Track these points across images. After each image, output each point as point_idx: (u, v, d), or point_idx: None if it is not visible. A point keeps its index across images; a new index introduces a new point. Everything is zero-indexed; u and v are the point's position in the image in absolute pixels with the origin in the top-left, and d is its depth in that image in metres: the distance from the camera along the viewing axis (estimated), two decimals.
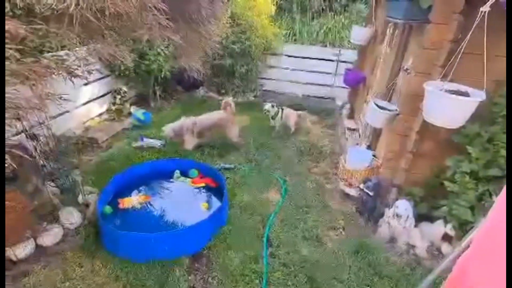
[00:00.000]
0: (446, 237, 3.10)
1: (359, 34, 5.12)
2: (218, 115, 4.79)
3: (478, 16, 2.32)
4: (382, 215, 3.35)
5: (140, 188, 3.74)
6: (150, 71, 5.48)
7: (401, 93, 3.41)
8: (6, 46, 1.33)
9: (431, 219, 3.19)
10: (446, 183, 2.95)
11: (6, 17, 1.34)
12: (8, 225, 2.23)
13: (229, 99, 4.86)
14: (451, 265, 1.81)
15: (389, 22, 3.75)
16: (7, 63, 1.30)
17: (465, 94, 2.54)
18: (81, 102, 4.97)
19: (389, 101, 3.70)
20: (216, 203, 3.57)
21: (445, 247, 3.08)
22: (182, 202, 3.65)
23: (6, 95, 1.26)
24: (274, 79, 7.32)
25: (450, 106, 2.50)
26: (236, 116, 4.96)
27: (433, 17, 2.78)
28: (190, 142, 4.63)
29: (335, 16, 8.10)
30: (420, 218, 3.22)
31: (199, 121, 4.63)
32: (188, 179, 3.93)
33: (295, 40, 7.82)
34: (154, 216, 3.40)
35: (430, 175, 3.25)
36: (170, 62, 5.59)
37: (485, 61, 2.41)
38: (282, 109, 5.38)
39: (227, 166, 4.35)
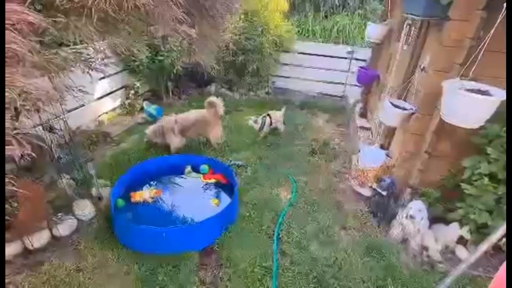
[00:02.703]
0: (461, 241, 3.03)
1: (374, 31, 5.03)
2: (200, 113, 4.51)
3: (502, 12, 2.25)
4: (395, 215, 3.30)
5: (152, 182, 3.77)
6: (163, 67, 5.52)
7: (418, 92, 3.34)
8: (28, 38, 1.35)
9: (445, 221, 3.12)
10: (463, 185, 2.87)
11: (28, 10, 1.36)
12: (25, 214, 2.29)
13: (215, 98, 4.47)
14: (468, 271, 1.76)
15: (406, 19, 3.67)
16: (29, 54, 1.32)
17: (486, 93, 2.46)
18: (95, 97, 5.05)
19: (404, 99, 3.63)
20: (226, 199, 3.58)
21: (460, 251, 3.02)
22: (193, 197, 3.67)
23: (28, 86, 1.28)
24: (285, 77, 7.27)
25: (469, 106, 2.43)
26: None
27: (453, 14, 2.70)
28: (174, 142, 4.39)
29: (349, 14, 7.99)
30: (434, 220, 3.16)
31: (180, 119, 4.39)
32: (200, 175, 3.94)
33: (307, 37, 7.75)
34: (165, 211, 3.42)
35: (446, 176, 3.17)
36: (183, 58, 5.62)
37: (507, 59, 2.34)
38: (269, 116, 5.05)
39: (238, 163, 4.35)
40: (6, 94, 1.18)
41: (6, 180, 1.22)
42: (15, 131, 1.32)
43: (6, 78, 1.19)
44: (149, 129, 4.44)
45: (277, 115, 5.19)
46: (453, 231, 3.03)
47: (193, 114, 4.52)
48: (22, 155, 1.41)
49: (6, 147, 1.37)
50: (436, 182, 3.23)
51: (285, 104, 6.45)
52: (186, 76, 6.45)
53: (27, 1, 1.37)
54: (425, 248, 3.10)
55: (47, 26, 1.50)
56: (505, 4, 2.23)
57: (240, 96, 6.94)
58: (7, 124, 1.22)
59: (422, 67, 3.29)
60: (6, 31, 1.28)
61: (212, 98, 4.46)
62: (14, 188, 1.34)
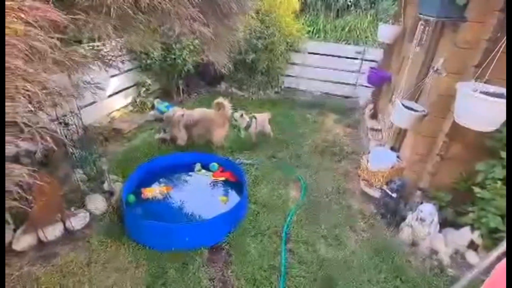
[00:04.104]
0: (472, 245, 2.99)
1: (386, 32, 4.99)
2: (206, 113, 4.51)
3: None
4: (404, 218, 3.27)
5: (162, 179, 3.82)
6: (174, 65, 5.57)
7: (431, 94, 3.30)
8: (49, 35, 1.39)
9: (456, 225, 3.08)
10: (476, 188, 2.83)
11: (50, 6, 1.39)
12: (41, 207, 2.35)
13: (223, 100, 4.46)
14: (479, 276, 1.74)
15: (420, 19, 3.63)
16: (50, 51, 1.35)
17: (501, 96, 2.42)
18: (107, 94, 5.12)
19: (416, 101, 3.59)
20: (235, 197, 3.60)
21: (470, 255, 2.98)
22: (202, 195, 3.70)
23: (50, 82, 1.32)
24: (296, 76, 7.26)
25: (484, 108, 2.39)
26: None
27: (470, 15, 2.67)
28: (179, 136, 4.49)
29: (361, 14, 7.92)
30: (445, 223, 3.13)
31: (186, 115, 4.44)
32: (209, 173, 3.98)
33: (318, 37, 7.72)
34: (174, 207, 3.46)
35: (457, 180, 3.13)
36: (194, 56, 5.67)
37: None
38: (255, 118, 4.78)
39: (246, 161, 4.37)
40: (30, 88, 1.22)
41: (27, 172, 1.27)
42: (37, 126, 1.37)
43: (29, 74, 1.23)
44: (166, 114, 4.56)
45: (263, 118, 4.90)
46: (464, 235, 3.00)
47: (197, 113, 4.54)
48: (44, 150, 1.45)
49: (26, 140, 1.41)
50: (447, 185, 3.19)
51: (294, 103, 6.47)
52: (196, 75, 6.50)
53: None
54: (434, 251, 3.07)
55: (67, 23, 1.54)
56: None
57: (249, 95, 6.95)
58: (28, 119, 1.26)
59: (435, 68, 3.25)
60: (30, 28, 1.32)
61: (220, 100, 4.46)
62: (34, 181, 1.38)
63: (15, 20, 1.18)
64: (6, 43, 1.16)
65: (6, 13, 1.15)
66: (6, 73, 1.13)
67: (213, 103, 4.50)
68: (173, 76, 6.03)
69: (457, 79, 2.80)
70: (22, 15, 1.22)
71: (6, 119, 1.14)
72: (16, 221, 2.71)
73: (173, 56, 5.44)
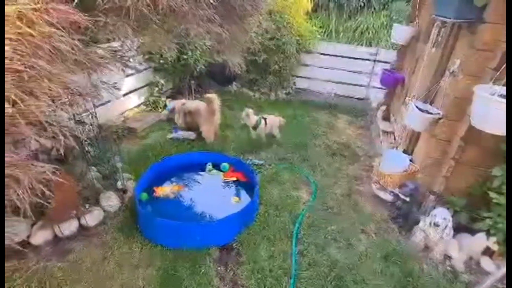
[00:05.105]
0: (487, 252, 2.93)
1: (401, 33, 4.93)
2: (198, 105, 4.88)
3: None
4: (417, 222, 3.23)
5: (174, 178, 3.86)
6: (186, 65, 5.63)
7: (446, 96, 3.25)
8: (72, 36, 1.43)
9: (471, 230, 3.03)
10: (492, 194, 2.78)
11: (72, 9, 1.43)
12: (58, 203, 2.41)
13: (212, 95, 4.69)
14: (495, 284, 1.71)
15: (436, 20, 3.57)
16: (72, 52, 1.39)
17: None
18: (121, 93, 5.21)
19: (431, 104, 3.54)
20: (246, 197, 3.62)
21: (485, 262, 2.92)
22: (213, 194, 3.73)
23: (71, 82, 1.36)
24: (307, 77, 7.23)
25: (502, 112, 2.34)
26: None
27: (489, 16, 2.62)
28: (178, 122, 5.05)
29: (374, 14, 7.84)
30: (459, 228, 3.07)
31: (185, 105, 4.97)
32: (220, 173, 4.00)
33: (330, 38, 7.67)
34: (185, 206, 3.50)
35: (473, 184, 3.07)
36: (206, 56, 5.71)
37: None
38: (265, 118, 4.77)
39: (257, 162, 4.38)
40: (53, 88, 1.26)
41: (49, 169, 1.31)
42: (59, 125, 1.41)
43: (53, 74, 1.27)
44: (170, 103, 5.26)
45: (273, 120, 4.89)
46: (479, 241, 2.94)
47: (192, 104, 4.96)
48: (65, 147, 1.49)
49: (47, 138, 1.45)
50: (462, 189, 3.14)
51: (306, 104, 6.43)
52: (208, 75, 6.54)
53: (74, 2, 1.44)
54: (448, 257, 3.02)
55: (88, 25, 1.58)
56: None
57: (260, 95, 6.96)
58: (51, 118, 1.30)
59: (451, 70, 3.19)
60: (53, 29, 1.36)
61: (210, 95, 4.70)
62: (55, 178, 1.42)
63: (41, 21, 1.22)
64: (32, 44, 1.20)
65: (32, 15, 1.19)
66: (32, 73, 1.17)
67: (204, 97, 4.80)
68: (185, 76, 6.09)
69: (474, 81, 2.75)
70: (47, 17, 1.26)
71: (31, 118, 1.18)
72: (33, 216, 2.78)
73: (185, 57, 5.50)
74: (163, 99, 5.81)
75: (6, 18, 1.10)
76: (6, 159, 1.12)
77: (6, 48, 1.08)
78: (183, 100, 5.16)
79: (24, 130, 1.16)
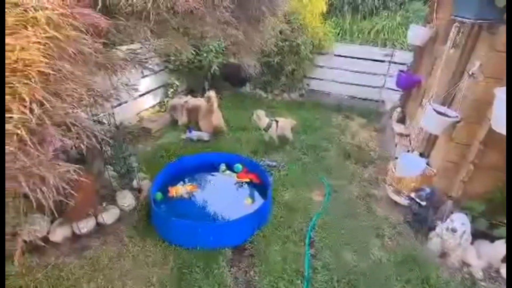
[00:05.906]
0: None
1: (417, 34, 4.84)
2: (198, 102, 5.11)
3: None
4: (433, 227, 3.16)
5: (188, 178, 3.91)
6: (201, 66, 5.70)
7: (465, 99, 3.17)
8: (94, 39, 1.48)
9: (490, 237, 2.94)
10: None
11: (96, 13, 1.48)
12: (77, 202, 2.47)
13: (212, 93, 4.90)
14: None
15: (455, 21, 3.49)
16: (94, 54, 1.44)
17: None
18: (137, 94, 5.31)
19: (449, 106, 3.46)
20: (259, 199, 3.62)
21: (505, 270, 2.82)
22: (227, 195, 3.75)
23: (93, 84, 1.41)
24: (321, 79, 7.18)
25: None
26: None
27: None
28: (180, 119, 5.30)
29: (389, 15, 7.72)
30: (478, 235, 2.98)
31: (187, 102, 5.21)
32: (234, 173, 4.02)
33: (344, 39, 7.59)
34: (199, 206, 3.54)
35: (492, 190, 2.98)
36: (220, 58, 5.76)
37: None
38: (277, 121, 4.75)
39: (271, 163, 4.38)
40: (76, 89, 1.30)
41: (73, 168, 1.35)
42: (82, 125, 1.46)
43: (76, 76, 1.31)
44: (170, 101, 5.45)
45: (285, 123, 4.88)
46: (499, 248, 2.85)
47: (194, 101, 5.20)
48: (86, 147, 1.54)
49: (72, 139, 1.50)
50: (480, 195, 3.05)
51: (320, 106, 6.38)
52: (222, 76, 6.59)
53: (98, 7, 1.49)
54: (465, 264, 2.94)
55: (110, 28, 1.62)
56: None
57: (274, 96, 6.96)
58: (75, 119, 1.35)
59: (471, 72, 3.11)
60: (77, 32, 1.41)
61: (209, 93, 4.89)
62: (78, 178, 1.47)
63: (67, 26, 1.27)
64: (58, 47, 1.24)
65: (60, 19, 1.23)
66: (58, 76, 1.22)
67: (205, 95, 5.00)
68: (200, 78, 6.16)
69: (495, 84, 2.68)
70: (73, 21, 1.31)
71: (56, 120, 1.23)
72: (56, 214, 2.87)
73: (200, 58, 5.57)
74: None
75: (36, 22, 1.15)
76: (34, 159, 1.17)
77: (35, 52, 1.13)
78: (185, 98, 5.36)
79: (50, 131, 1.20)
